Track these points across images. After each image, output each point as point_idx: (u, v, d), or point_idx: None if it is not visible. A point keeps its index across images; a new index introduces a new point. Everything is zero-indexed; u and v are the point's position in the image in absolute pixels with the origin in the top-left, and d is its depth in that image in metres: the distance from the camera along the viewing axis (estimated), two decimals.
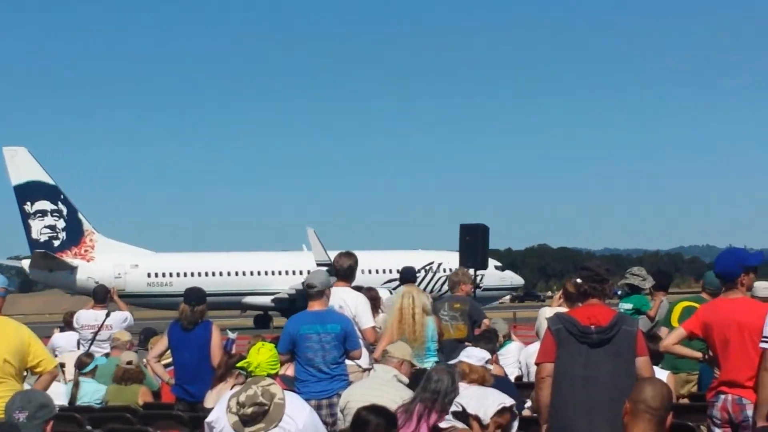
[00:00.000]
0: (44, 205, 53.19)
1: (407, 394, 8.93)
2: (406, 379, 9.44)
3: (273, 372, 8.24)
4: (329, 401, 10.34)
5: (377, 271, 52.49)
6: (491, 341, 10.67)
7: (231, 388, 9.03)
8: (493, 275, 54.02)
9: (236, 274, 54.09)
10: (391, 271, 51.22)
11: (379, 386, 9.30)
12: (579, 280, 8.05)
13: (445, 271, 52.89)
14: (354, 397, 9.38)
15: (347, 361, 10.77)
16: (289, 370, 11.24)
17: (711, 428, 8.20)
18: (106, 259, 52.68)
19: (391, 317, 11.58)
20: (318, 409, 9.97)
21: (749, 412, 7.79)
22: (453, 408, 7.54)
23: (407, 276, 14.71)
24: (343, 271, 12.06)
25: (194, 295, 11.89)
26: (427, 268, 55.28)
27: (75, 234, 53.83)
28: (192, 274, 52.92)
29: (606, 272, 8.13)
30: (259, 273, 54.08)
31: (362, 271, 46.49)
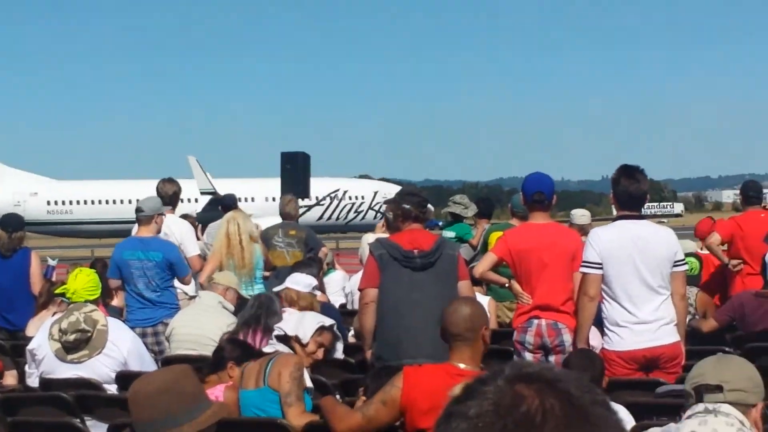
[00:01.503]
0: None
1: (232, 320, 8.93)
2: (231, 306, 9.43)
3: (92, 298, 8.14)
4: (154, 329, 10.25)
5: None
6: (311, 266, 10.61)
7: (53, 316, 8.88)
8: None
9: (136, 201, 52.74)
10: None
11: (204, 312, 9.28)
12: (408, 206, 8.10)
13: (350, 198, 53.31)
14: (179, 324, 9.33)
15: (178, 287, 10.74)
16: (116, 301, 11.12)
17: (521, 354, 8.13)
18: (5, 187, 51.09)
19: (217, 243, 11.48)
20: (143, 336, 9.89)
21: (565, 336, 7.89)
22: (276, 332, 7.59)
23: (228, 202, 14.71)
24: (168, 197, 11.95)
25: (12, 222, 11.61)
26: (332, 195, 55.10)
27: None
28: (92, 202, 51.97)
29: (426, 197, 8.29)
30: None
31: (266, 199, 46.88)
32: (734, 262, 11.03)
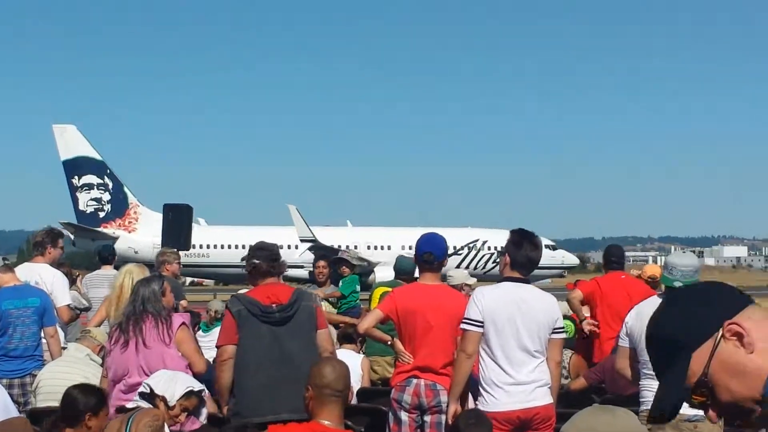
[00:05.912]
0: (91, 179, 56.06)
1: (99, 372, 8.93)
2: (98, 359, 9.29)
3: None
4: (21, 381, 10.15)
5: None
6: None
7: None
8: (544, 254, 52.84)
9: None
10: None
11: (71, 364, 9.20)
12: (257, 261, 8.07)
13: (489, 249, 54.89)
14: (45, 376, 9.21)
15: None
16: None
17: (396, 413, 8.04)
18: (148, 231, 53.16)
19: (112, 293, 11.36)
20: (10, 388, 9.81)
21: (442, 397, 7.82)
22: (141, 389, 7.54)
23: (104, 254, 14.74)
24: (39, 245, 11.88)
25: None
26: (471, 245, 56.70)
27: (120, 206, 56.70)
28: (229, 246, 54.99)
29: (278, 251, 8.29)
30: (289, 246, 53.40)
31: (402, 247, 47.37)
32: (590, 321, 11.30)
